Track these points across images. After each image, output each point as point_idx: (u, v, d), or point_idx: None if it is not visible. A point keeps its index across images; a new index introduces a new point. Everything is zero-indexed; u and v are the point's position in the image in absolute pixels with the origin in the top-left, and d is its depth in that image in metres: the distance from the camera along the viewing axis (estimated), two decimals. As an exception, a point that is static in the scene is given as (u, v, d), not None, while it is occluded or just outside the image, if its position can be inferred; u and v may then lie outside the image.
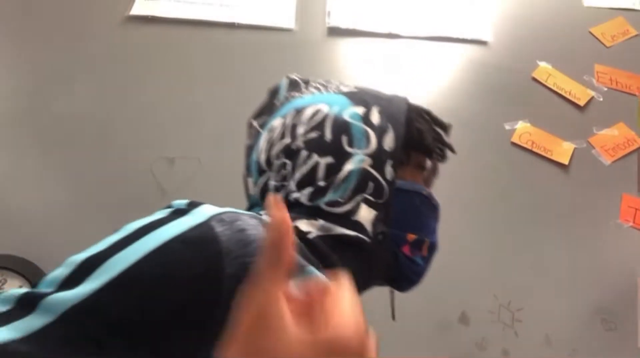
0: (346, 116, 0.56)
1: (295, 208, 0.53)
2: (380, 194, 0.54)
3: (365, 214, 0.54)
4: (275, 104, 0.65)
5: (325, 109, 0.57)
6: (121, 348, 0.38)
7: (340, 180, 0.54)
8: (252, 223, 0.44)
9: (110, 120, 1.22)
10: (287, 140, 0.57)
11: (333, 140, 0.55)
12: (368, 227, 0.53)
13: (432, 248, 0.59)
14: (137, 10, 1.40)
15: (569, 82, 1.41)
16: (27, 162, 1.15)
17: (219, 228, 0.42)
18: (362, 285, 0.53)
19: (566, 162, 1.28)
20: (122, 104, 1.25)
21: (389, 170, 0.55)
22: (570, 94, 1.39)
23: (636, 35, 1.54)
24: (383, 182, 0.55)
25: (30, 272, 0.95)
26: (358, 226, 0.53)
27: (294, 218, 0.51)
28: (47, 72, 1.29)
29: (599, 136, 1.33)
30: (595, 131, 1.34)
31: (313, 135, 0.56)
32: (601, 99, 1.39)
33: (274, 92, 0.67)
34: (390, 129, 0.56)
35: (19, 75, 1.30)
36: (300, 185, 0.55)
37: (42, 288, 0.40)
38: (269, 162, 0.58)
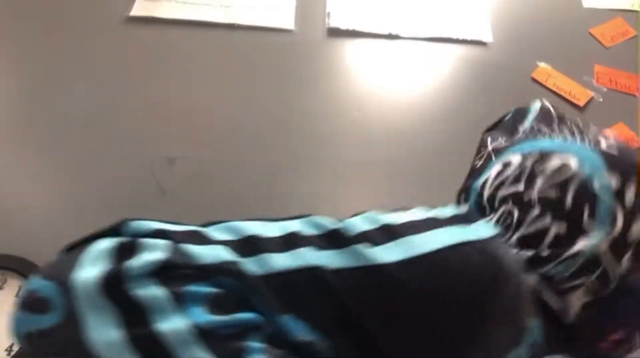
0: (596, 185, 0.47)
1: None
2: (606, 284, 0.47)
3: (580, 297, 0.48)
4: (518, 128, 0.60)
5: (574, 165, 0.49)
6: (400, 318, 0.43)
7: (566, 257, 0.47)
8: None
9: (110, 120, 1.22)
10: (521, 187, 0.51)
11: (573, 208, 0.47)
12: (576, 309, 0.48)
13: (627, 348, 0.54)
14: (137, 10, 1.41)
15: (569, 82, 1.42)
16: (26, 162, 1.15)
17: (502, 250, 0.47)
18: (541, 353, 0.50)
19: (566, 163, 1.28)
20: (122, 104, 1.25)
21: (625, 261, 0.46)
22: (570, 94, 1.39)
23: (635, 36, 1.54)
24: (615, 273, 0.47)
25: (31, 272, 0.95)
26: (566, 303, 0.48)
27: None
28: (47, 72, 1.29)
29: (599, 137, 1.33)
30: (595, 132, 1.34)
31: (552, 193, 0.48)
32: (601, 100, 1.39)
33: (520, 113, 0.62)
34: None
35: (19, 75, 1.30)
36: (521, 244, 0.49)
37: (347, 228, 0.47)
38: (491, 201, 0.53)
